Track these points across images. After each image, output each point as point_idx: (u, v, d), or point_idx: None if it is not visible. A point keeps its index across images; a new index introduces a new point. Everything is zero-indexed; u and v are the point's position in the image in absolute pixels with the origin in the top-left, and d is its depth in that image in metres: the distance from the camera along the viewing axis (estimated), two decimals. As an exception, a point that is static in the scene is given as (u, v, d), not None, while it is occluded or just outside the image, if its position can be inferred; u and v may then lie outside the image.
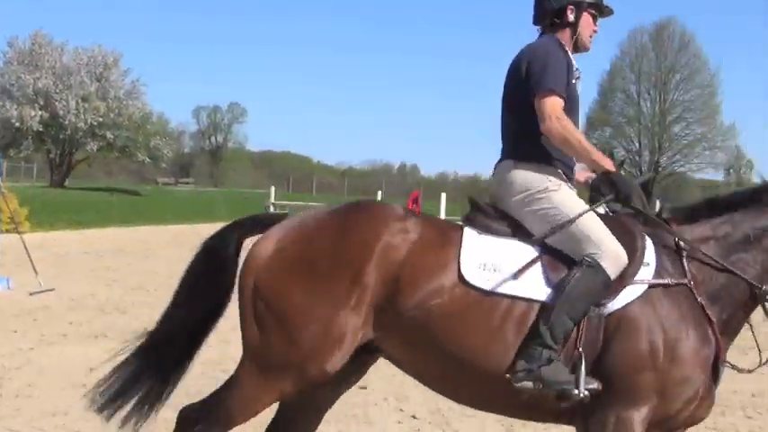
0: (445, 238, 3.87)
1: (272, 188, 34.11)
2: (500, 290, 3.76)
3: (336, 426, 5.97)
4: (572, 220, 3.85)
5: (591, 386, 3.67)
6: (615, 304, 3.78)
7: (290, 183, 73.49)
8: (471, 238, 3.88)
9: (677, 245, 3.97)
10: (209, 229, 4.35)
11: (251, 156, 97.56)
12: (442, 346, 3.73)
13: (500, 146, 4.27)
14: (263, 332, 3.73)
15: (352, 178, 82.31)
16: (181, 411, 3.94)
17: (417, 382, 3.98)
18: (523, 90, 4.03)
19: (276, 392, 3.79)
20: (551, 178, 4.05)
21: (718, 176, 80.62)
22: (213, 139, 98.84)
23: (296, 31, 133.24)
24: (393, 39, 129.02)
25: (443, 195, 21.03)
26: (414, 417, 6.48)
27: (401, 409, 6.68)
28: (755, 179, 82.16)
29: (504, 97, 4.21)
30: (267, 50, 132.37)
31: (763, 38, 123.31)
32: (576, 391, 3.64)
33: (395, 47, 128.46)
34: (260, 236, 3.91)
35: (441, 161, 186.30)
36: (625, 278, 3.81)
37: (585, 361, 3.69)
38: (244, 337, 3.81)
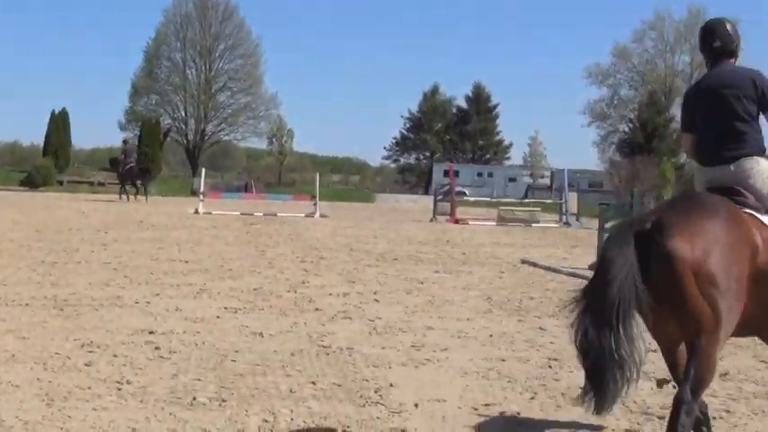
0: (754, 220, 4.80)
1: None
2: None
3: None
4: None
5: None
6: None
7: None
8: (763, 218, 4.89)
9: None
10: None
11: None
12: None
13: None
14: (711, 307, 4.39)
15: None
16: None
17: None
18: (759, 104, 5.23)
19: (721, 347, 4.62)
20: None
21: (263, 145, 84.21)
22: None
23: None
24: None
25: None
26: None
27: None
28: (296, 148, 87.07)
29: (728, 108, 5.23)
30: None
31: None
32: None
33: None
34: (667, 236, 4.40)
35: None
36: None
37: None
38: (694, 317, 4.42)
